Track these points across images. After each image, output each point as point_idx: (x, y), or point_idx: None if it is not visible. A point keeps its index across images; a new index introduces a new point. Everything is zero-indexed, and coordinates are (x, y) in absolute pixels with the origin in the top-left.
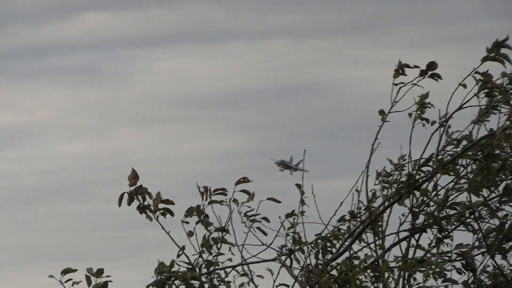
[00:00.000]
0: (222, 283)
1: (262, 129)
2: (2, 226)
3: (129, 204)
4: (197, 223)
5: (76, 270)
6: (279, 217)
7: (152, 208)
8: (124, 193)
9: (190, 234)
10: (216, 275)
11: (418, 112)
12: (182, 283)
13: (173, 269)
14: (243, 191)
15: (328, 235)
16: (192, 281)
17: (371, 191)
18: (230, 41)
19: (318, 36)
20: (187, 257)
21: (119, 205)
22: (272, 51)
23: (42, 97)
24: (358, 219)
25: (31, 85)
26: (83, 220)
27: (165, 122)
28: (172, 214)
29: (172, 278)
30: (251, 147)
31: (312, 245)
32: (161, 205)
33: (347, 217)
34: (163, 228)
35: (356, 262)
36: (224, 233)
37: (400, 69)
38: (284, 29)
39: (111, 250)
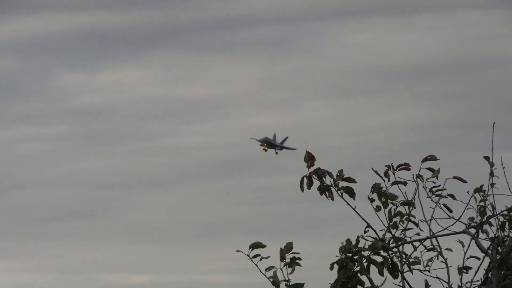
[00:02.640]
0: (409, 259)
1: (452, 101)
2: (193, 198)
3: (308, 187)
4: (383, 199)
5: (265, 246)
6: (468, 192)
7: (335, 188)
8: (303, 176)
9: (377, 209)
10: (403, 254)
11: None
12: (372, 254)
13: (359, 245)
14: (428, 169)
15: None
16: (382, 253)
17: None
18: (421, 14)
19: (509, 7)
20: (375, 232)
21: (302, 190)
22: (462, 23)
23: (232, 70)
24: None
25: (221, 59)
26: (271, 193)
27: (356, 94)
28: (353, 195)
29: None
30: (440, 119)
31: (506, 217)
32: (343, 183)
33: None
34: (349, 204)
35: None
36: (410, 208)
37: None
38: (475, 1)
39: (297, 223)
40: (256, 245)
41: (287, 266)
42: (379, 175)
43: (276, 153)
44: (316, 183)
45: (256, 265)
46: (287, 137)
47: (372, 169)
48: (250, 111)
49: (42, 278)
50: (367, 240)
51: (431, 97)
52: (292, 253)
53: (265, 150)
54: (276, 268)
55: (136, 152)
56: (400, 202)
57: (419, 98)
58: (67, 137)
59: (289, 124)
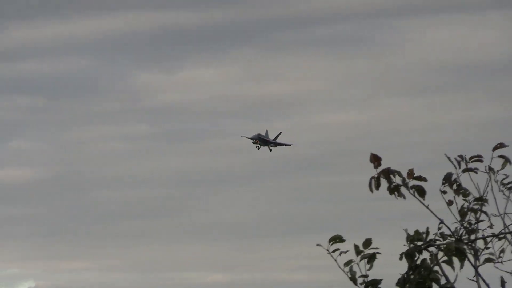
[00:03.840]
0: (483, 254)
1: None
2: (269, 196)
3: (377, 188)
4: (456, 192)
5: (344, 240)
6: None
7: (405, 187)
8: (372, 177)
9: (449, 203)
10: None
11: None
12: (444, 253)
13: (429, 238)
14: (501, 156)
15: None
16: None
17: None
18: (500, 10)
19: None
20: (447, 227)
21: (371, 190)
22: None
23: (309, 67)
24: None
25: (298, 56)
26: (347, 191)
27: (435, 91)
28: (423, 194)
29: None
30: None
31: None
32: (414, 182)
33: None
34: (422, 202)
35: None
36: (482, 203)
37: None
38: None
39: (370, 221)
40: (335, 238)
41: (365, 261)
42: (451, 161)
43: (270, 150)
44: (385, 183)
45: (335, 260)
46: (280, 133)
47: (445, 154)
48: (328, 109)
49: (120, 277)
50: (436, 235)
51: (510, 93)
52: (371, 248)
53: (258, 148)
54: (354, 261)
55: (214, 149)
56: (473, 199)
57: (498, 95)
58: (145, 136)
59: (368, 122)
